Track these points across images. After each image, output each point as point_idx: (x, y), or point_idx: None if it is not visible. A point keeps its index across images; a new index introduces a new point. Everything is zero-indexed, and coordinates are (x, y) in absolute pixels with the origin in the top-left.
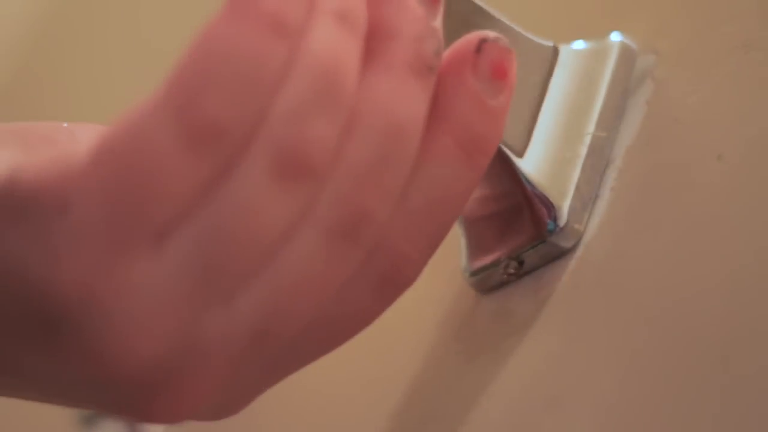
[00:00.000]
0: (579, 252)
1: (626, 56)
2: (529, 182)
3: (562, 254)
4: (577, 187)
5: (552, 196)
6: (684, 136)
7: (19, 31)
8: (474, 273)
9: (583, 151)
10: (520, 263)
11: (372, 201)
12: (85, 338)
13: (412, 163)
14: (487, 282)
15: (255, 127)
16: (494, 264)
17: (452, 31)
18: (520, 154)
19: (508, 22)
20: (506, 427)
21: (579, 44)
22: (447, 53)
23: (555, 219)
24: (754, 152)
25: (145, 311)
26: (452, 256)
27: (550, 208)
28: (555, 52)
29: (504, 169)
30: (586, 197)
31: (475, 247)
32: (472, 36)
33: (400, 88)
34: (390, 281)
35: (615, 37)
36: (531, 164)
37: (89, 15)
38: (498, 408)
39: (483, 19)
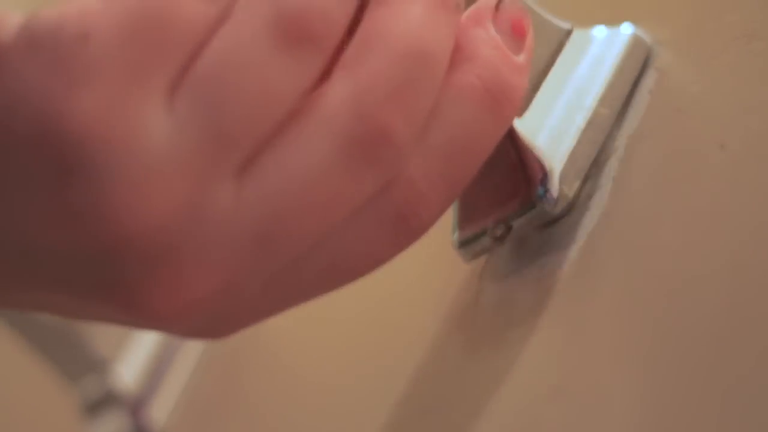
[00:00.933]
0: (581, 242)
1: (637, 46)
2: (522, 142)
3: (550, 220)
4: (572, 156)
5: (545, 161)
6: (687, 126)
7: None
8: (463, 241)
9: (582, 123)
10: (509, 228)
11: (395, 121)
12: (94, 187)
13: (436, 96)
14: (475, 248)
15: None
16: (483, 231)
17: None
18: (517, 115)
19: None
20: (509, 417)
21: (596, 30)
22: (467, 12)
23: (545, 183)
24: (757, 142)
25: (155, 165)
26: (452, 247)
27: (542, 171)
28: (568, 33)
29: None
30: (579, 167)
31: (465, 216)
32: None
33: (430, 17)
34: (403, 220)
35: (627, 28)
36: (528, 128)
37: None
38: (501, 398)
39: None
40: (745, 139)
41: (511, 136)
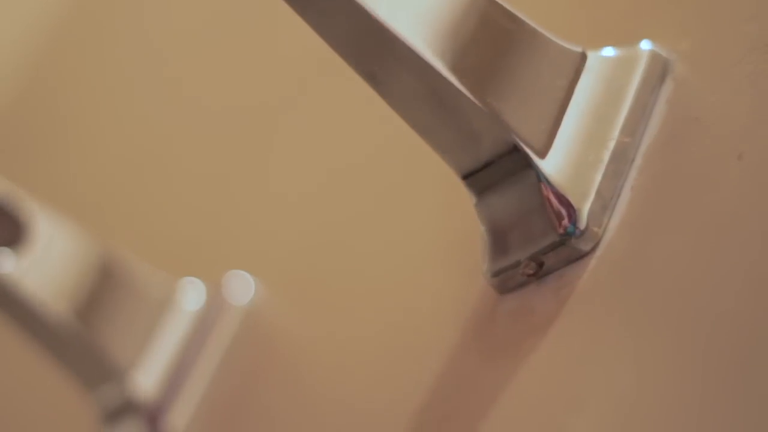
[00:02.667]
0: (599, 251)
1: (656, 64)
2: (550, 183)
3: (580, 257)
4: (598, 191)
5: (573, 198)
6: (704, 135)
7: (30, 45)
8: (495, 274)
9: (607, 155)
10: (540, 264)
11: None
12: None
13: None
14: (507, 283)
15: None
16: (514, 265)
17: (477, 32)
18: (542, 155)
19: (535, 26)
20: (526, 425)
21: (608, 51)
22: None
23: (575, 222)
24: None
25: None
26: (471, 255)
27: (571, 210)
28: (583, 57)
29: (526, 170)
30: (607, 201)
31: (496, 249)
32: None
33: None
34: None
35: (645, 45)
36: (553, 166)
37: (100, 29)
38: (518, 407)
39: (511, 22)
40: (762, 149)
41: (539, 176)
